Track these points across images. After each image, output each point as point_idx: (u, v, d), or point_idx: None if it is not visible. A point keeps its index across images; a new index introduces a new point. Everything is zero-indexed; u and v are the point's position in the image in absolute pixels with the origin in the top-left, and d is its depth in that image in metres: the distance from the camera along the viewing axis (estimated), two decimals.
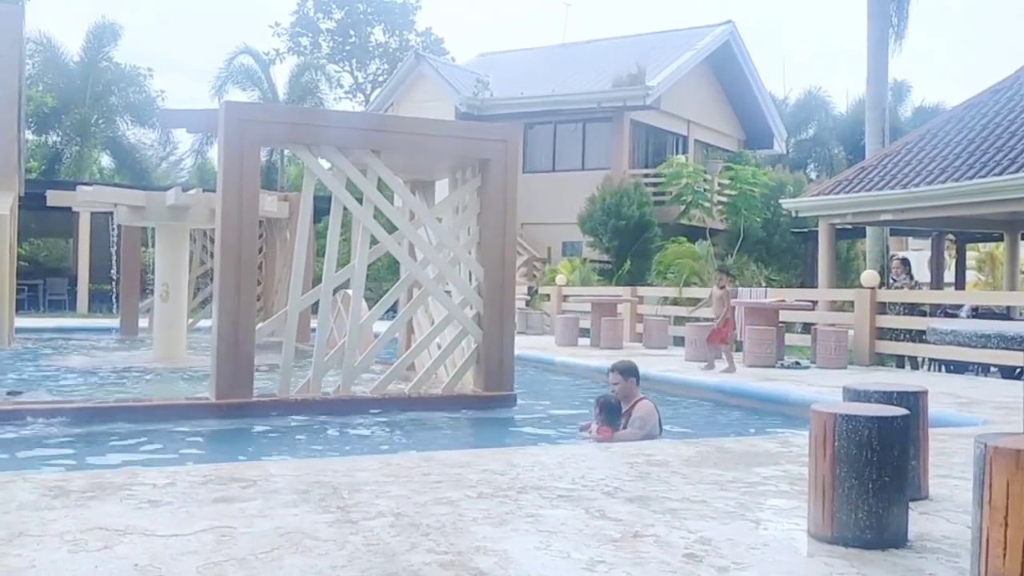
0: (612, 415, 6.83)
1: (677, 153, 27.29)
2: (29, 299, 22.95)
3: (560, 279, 19.72)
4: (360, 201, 8.72)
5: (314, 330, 9.37)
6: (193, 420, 7.63)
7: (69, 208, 18.58)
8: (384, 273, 21.39)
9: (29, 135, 28.99)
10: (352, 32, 45.81)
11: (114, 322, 17.07)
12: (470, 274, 9.07)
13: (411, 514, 3.71)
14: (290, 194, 16.18)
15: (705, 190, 24.61)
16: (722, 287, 11.82)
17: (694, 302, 15.33)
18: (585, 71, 27.19)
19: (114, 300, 17.88)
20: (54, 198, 16.25)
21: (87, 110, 32.23)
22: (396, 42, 46.34)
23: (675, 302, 17.08)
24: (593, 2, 73.55)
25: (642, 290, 17.95)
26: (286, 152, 30.01)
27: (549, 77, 27.05)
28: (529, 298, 21.48)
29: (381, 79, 43.73)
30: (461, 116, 25.11)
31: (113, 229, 15.95)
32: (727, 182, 24.92)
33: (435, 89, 27.00)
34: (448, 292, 9.19)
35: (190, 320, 14.59)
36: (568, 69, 27.69)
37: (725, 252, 22.13)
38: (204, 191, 13.03)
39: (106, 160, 36.56)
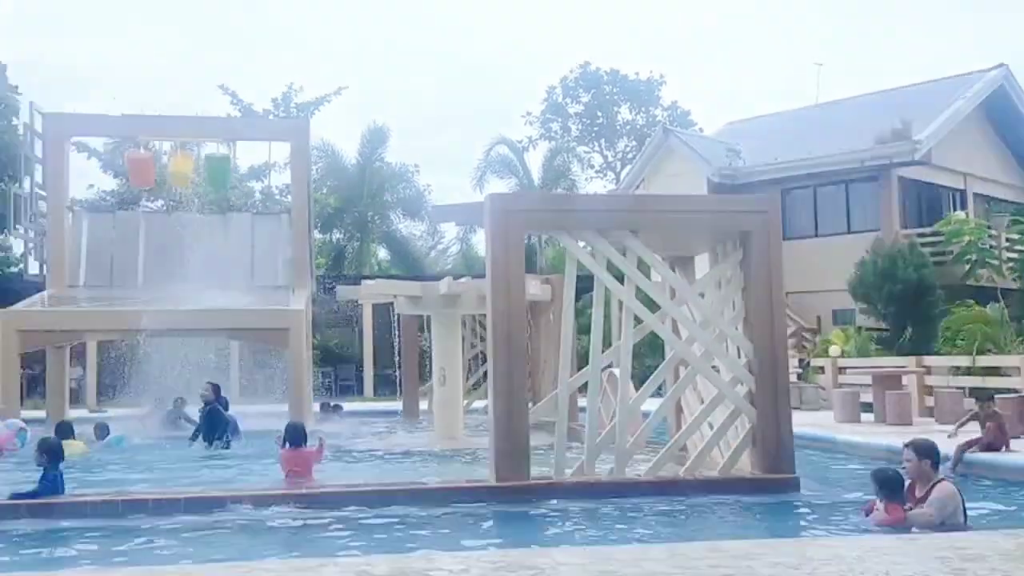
0: (893, 490, 6.24)
1: (954, 209, 25.29)
2: (323, 385, 25.07)
3: (834, 350, 18.68)
4: (620, 280, 8.80)
5: (582, 409, 9.52)
6: (473, 502, 7.88)
7: (355, 300, 20.19)
8: (645, 350, 21.33)
9: (317, 235, 32.03)
10: (600, 113, 47.07)
11: (397, 405, 18.21)
12: (738, 350, 8.82)
13: None
14: (551, 276, 16.65)
15: (991, 247, 22.56)
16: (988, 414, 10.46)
17: (990, 371, 13.89)
18: (843, 130, 26.05)
19: (397, 384, 19.11)
20: (343, 293, 17.75)
21: (365, 208, 35.17)
22: (643, 119, 47.02)
23: (968, 372, 15.56)
24: (846, 60, 70.94)
25: (929, 360, 16.50)
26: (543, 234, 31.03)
27: (803, 139, 26.19)
28: (801, 371, 20.50)
29: (630, 156, 44.42)
30: (714, 187, 24.83)
31: (394, 318, 17.14)
32: (1016, 237, 22.71)
33: (685, 162, 26.96)
34: (716, 370, 8.97)
35: (465, 401, 15.25)
36: (824, 129, 26.68)
37: (1021, 314, 20.03)
38: (473, 278, 13.71)
39: (383, 252, 39.59)
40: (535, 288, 14.83)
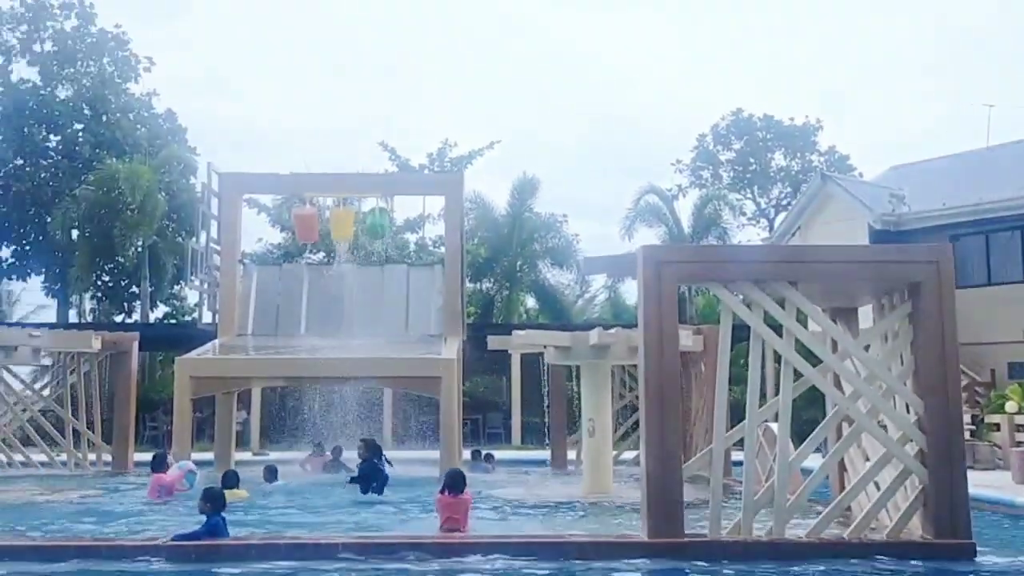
0: None
1: None
2: (471, 431, 25.37)
3: (1011, 406, 17.42)
4: (777, 332, 8.53)
5: (736, 464, 9.21)
6: (625, 558, 7.74)
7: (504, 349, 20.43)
8: (800, 403, 20.47)
9: (468, 284, 32.75)
10: (752, 159, 46.23)
11: (545, 454, 18.19)
12: (907, 407, 8.35)
13: None
14: (703, 327, 16.32)
15: None
16: None
17: None
18: (1016, 173, 24.56)
19: (545, 433, 19.12)
20: (494, 342, 18.00)
21: (514, 257, 35.67)
22: (798, 164, 45.85)
23: None
24: (1018, 100, 66.96)
25: None
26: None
27: (973, 183, 24.81)
28: (974, 428, 19.20)
29: (785, 203, 43.32)
30: (875, 234, 23.83)
31: (543, 367, 17.21)
32: None
33: (844, 208, 26.00)
34: (883, 427, 8.52)
35: (614, 452, 15.08)
36: (995, 173, 25.21)
37: None
38: (622, 328, 13.61)
39: (531, 301, 39.94)
40: (687, 339, 14.57)
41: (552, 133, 74.63)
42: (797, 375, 8.69)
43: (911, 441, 8.20)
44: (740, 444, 8.80)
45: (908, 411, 8.35)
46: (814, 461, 10.10)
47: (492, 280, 36.50)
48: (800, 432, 9.43)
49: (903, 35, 72.39)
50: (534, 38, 78.95)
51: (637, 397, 17.06)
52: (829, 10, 74.73)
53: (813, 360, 8.83)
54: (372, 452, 13.42)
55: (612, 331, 13.38)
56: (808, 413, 14.99)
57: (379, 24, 79.18)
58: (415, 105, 74.08)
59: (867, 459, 8.83)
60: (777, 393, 8.66)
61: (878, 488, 8.51)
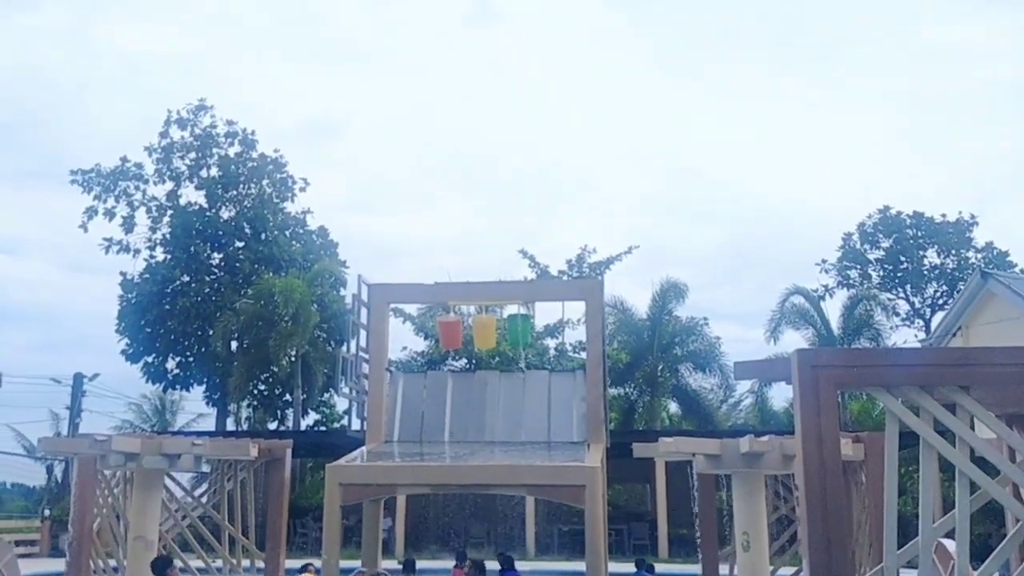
0: None
1: None
2: (616, 542, 24.66)
3: None
4: (947, 440, 7.95)
5: None
6: None
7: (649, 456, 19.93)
8: (974, 516, 18.97)
9: (609, 390, 32.42)
10: (903, 258, 44.52)
11: (696, 568, 17.40)
12: None
13: None
14: (861, 434, 15.47)
15: None
16: None
17: None
18: None
19: (695, 545, 18.36)
20: (639, 450, 17.55)
21: (655, 362, 35.20)
22: (953, 262, 43.84)
23: None
24: None
25: None
26: None
27: None
28: None
29: (941, 302, 41.27)
30: None
31: (692, 478, 16.64)
32: None
33: (1009, 307, 24.50)
34: None
35: (770, 567, 14.28)
36: None
37: None
38: (775, 435, 13.06)
39: (673, 406, 39.11)
40: (846, 447, 13.83)
41: (690, 236, 74.31)
42: (973, 488, 8.04)
43: None
44: (908, 563, 8.15)
45: None
46: None
47: (633, 385, 36.04)
48: (974, 548, 8.66)
49: None
50: (672, 141, 79.68)
51: (792, 509, 16.26)
52: (955, 101, 72.37)
53: (988, 470, 8.16)
54: (506, 566, 13.20)
55: (764, 439, 12.85)
56: (981, 527, 13.85)
57: (513, 137, 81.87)
58: (554, 213, 75.52)
59: None
60: (943, 505, 8.03)
61: None
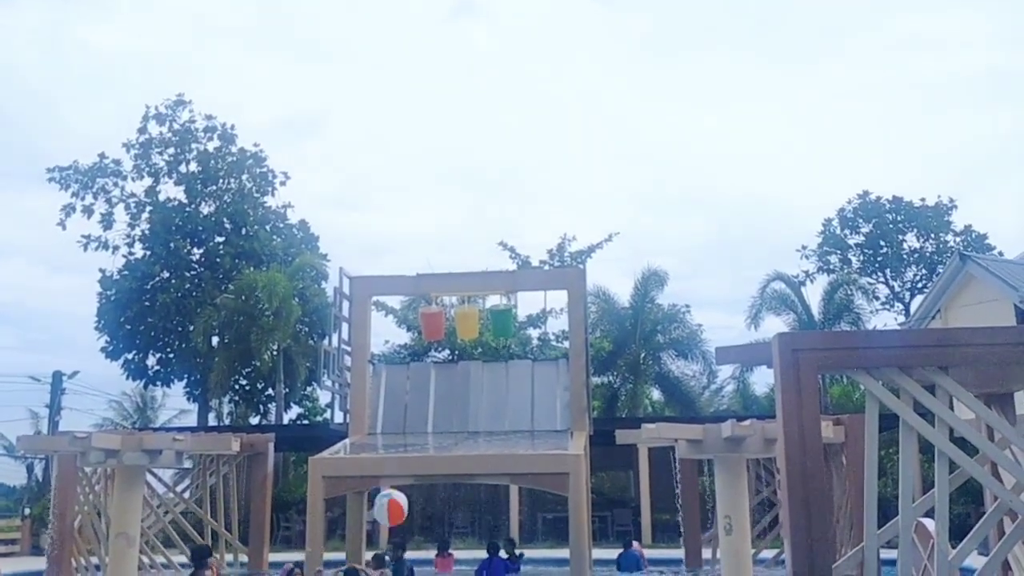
0: None
1: None
2: (600, 529, 24.72)
3: None
4: (927, 420, 8.02)
5: (886, 563, 8.58)
6: None
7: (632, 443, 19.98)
8: (954, 495, 19.13)
9: (592, 378, 32.46)
10: (883, 243, 44.80)
11: (678, 552, 17.50)
12: None
13: None
14: (842, 417, 15.59)
15: None
16: None
17: None
18: None
19: (678, 531, 18.45)
20: (622, 437, 17.62)
21: (637, 350, 35.27)
22: (932, 245, 44.16)
23: None
24: None
25: None
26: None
27: None
28: None
29: (920, 286, 41.60)
30: (1022, 314, 22.50)
31: (673, 462, 16.71)
32: None
33: (987, 289, 24.73)
34: None
35: (752, 550, 14.36)
36: None
37: None
38: (756, 420, 13.12)
39: (656, 393, 39.23)
40: (827, 430, 13.93)
41: (670, 225, 74.49)
42: (952, 467, 8.11)
43: None
44: (889, 543, 8.22)
45: None
46: (973, 560, 9.34)
47: (616, 373, 36.10)
48: (953, 527, 8.74)
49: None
50: (651, 131, 79.78)
51: (774, 492, 16.37)
52: (947, 87, 72.89)
53: (967, 450, 8.25)
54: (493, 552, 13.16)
55: (746, 423, 12.90)
56: (959, 506, 13.97)
57: (495, 131, 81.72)
58: (535, 205, 75.50)
59: None
60: (923, 486, 8.10)
61: None
